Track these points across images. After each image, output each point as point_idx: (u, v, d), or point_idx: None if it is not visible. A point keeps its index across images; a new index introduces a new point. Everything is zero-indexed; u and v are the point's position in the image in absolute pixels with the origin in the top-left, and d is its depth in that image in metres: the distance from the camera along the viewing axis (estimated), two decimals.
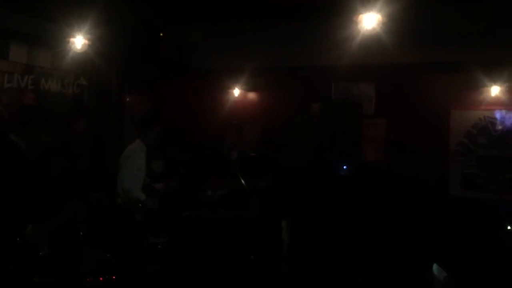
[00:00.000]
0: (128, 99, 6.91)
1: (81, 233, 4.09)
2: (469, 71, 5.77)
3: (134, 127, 5.24)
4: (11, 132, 3.56)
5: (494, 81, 5.90)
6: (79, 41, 5.72)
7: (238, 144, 5.50)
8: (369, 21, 4.58)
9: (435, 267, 3.69)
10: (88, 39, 5.74)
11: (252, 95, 7.31)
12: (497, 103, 5.98)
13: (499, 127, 5.96)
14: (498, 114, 5.99)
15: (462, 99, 6.11)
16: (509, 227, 5.37)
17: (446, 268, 3.65)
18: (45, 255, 3.44)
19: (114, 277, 4.28)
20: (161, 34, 6.96)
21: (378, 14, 4.54)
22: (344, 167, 5.67)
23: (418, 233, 5.60)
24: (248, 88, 7.25)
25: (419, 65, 6.09)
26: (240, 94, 7.30)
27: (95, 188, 4.76)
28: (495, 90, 5.96)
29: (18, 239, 3.32)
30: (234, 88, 7.26)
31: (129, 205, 4.59)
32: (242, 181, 4.71)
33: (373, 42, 5.28)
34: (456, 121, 6.14)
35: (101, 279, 4.26)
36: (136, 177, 4.74)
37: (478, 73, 5.79)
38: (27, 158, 3.54)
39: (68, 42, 5.74)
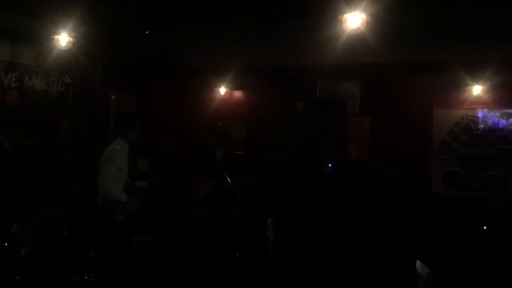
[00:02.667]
0: (113, 97, 6.87)
1: (65, 232, 4.07)
2: (452, 71, 5.85)
3: (115, 125, 5.16)
4: None
5: (476, 80, 5.98)
6: (63, 39, 5.67)
7: (223, 143, 5.51)
8: (354, 20, 4.62)
9: (418, 263, 3.73)
10: (73, 37, 5.70)
11: (237, 94, 7.32)
12: (479, 102, 6.06)
13: (481, 126, 6.05)
14: (480, 113, 6.08)
15: (445, 98, 6.19)
16: (485, 227, 5.46)
17: (429, 265, 3.70)
18: (28, 254, 3.42)
19: (98, 276, 4.27)
20: (147, 32, 6.93)
21: (363, 14, 4.59)
22: (329, 165, 5.72)
23: (401, 231, 5.67)
24: (234, 87, 7.25)
25: (403, 64, 6.15)
26: (226, 93, 7.30)
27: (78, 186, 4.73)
28: (477, 89, 6.05)
29: (3, 238, 3.29)
30: (219, 87, 7.26)
31: (111, 206, 4.53)
32: (228, 180, 4.72)
33: (357, 41, 5.33)
34: (439, 119, 6.21)
35: (86, 278, 4.25)
36: (117, 177, 4.64)
37: (460, 73, 5.86)
38: (12, 157, 3.53)
39: (53, 39, 5.69)
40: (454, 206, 5.88)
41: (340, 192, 5.73)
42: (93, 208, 4.64)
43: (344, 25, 4.69)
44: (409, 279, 3.97)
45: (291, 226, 5.31)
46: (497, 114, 5.99)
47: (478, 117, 6.07)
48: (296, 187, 5.64)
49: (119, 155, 4.69)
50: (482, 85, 6.00)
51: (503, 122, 5.96)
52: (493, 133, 5.98)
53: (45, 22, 5.57)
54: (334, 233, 5.60)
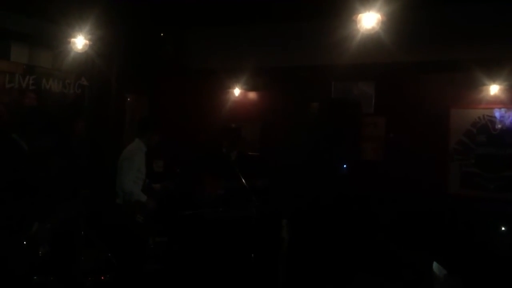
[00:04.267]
0: (128, 99, 6.94)
1: (82, 233, 4.12)
2: (468, 70, 5.78)
3: (136, 127, 5.23)
4: (12, 132, 3.59)
5: (493, 80, 5.91)
6: (80, 42, 5.74)
7: (237, 144, 5.53)
8: (369, 20, 4.61)
9: (435, 265, 3.71)
10: (89, 40, 5.77)
11: (251, 95, 7.33)
12: (496, 102, 5.99)
13: (499, 126, 5.98)
14: (497, 113, 6.01)
15: (461, 98, 6.13)
16: (502, 228, 5.39)
17: (446, 266, 3.67)
18: (46, 254, 3.46)
19: (114, 277, 4.31)
20: (161, 35, 6.98)
21: (378, 14, 4.57)
22: (344, 166, 5.70)
23: (416, 231, 5.62)
24: (248, 88, 7.27)
25: (418, 64, 6.10)
26: (240, 94, 7.31)
27: (93, 188, 4.77)
28: (494, 89, 5.98)
29: (23, 238, 3.33)
30: (233, 88, 7.27)
31: (130, 206, 4.58)
32: (242, 180, 4.73)
33: (372, 41, 5.30)
34: (456, 120, 6.15)
35: (102, 278, 4.29)
36: (137, 178, 4.70)
37: (477, 72, 5.80)
38: (28, 158, 3.57)
39: (69, 42, 5.77)
40: (471, 207, 5.82)
41: (354, 193, 5.70)
42: (111, 208, 4.69)
43: (359, 25, 4.67)
44: (424, 281, 3.93)
45: (306, 227, 5.29)
46: None
47: (495, 117, 5.99)
48: (310, 188, 5.63)
49: (137, 156, 4.76)
50: (499, 84, 5.93)
51: None
52: (511, 133, 5.90)
53: (62, 25, 5.65)
54: (348, 234, 5.58)
